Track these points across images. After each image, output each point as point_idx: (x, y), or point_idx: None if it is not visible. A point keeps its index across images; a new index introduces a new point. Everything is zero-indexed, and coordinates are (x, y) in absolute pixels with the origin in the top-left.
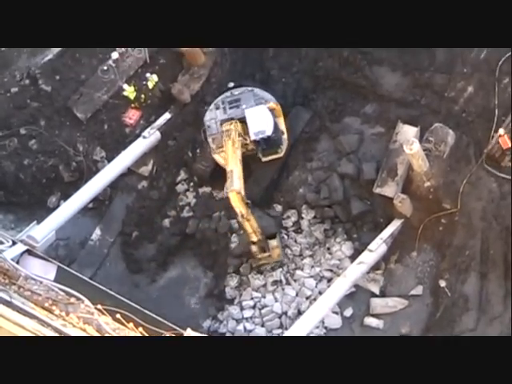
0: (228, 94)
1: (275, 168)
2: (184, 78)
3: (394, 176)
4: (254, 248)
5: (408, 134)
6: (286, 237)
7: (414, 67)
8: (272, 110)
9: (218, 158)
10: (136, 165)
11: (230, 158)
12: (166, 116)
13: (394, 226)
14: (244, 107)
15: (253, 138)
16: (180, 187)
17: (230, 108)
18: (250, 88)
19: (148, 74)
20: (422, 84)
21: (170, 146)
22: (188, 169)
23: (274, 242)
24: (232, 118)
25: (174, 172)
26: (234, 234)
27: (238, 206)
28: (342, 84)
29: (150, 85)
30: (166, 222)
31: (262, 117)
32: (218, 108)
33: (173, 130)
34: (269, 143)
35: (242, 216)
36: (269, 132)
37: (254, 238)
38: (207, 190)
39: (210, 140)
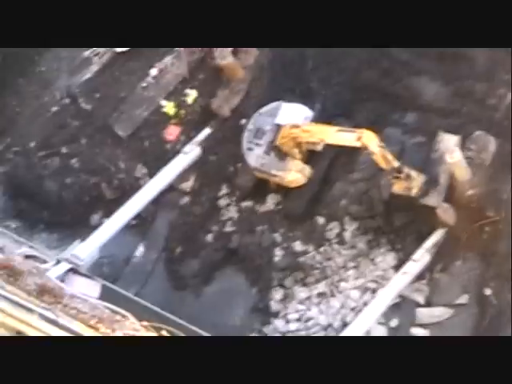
0: (246, 134)
1: (316, 180)
2: (223, 93)
3: (436, 185)
4: (397, 186)
5: (449, 142)
6: (329, 249)
7: (453, 76)
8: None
9: (297, 164)
10: (178, 181)
11: (323, 128)
12: (207, 131)
13: (438, 235)
14: (269, 128)
15: None
16: (222, 202)
17: (260, 139)
18: (256, 113)
19: (187, 90)
20: (462, 93)
21: (211, 161)
22: (230, 183)
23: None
24: (272, 141)
25: (216, 187)
26: (277, 248)
27: (375, 139)
28: (381, 95)
29: (190, 100)
30: (209, 237)
31: (292, 110)
32: (251, 149)
33: (213, 145)
34: None
35: (382, 147)
36: (309, 113)
37: (396, 164)
38: (249, 204)
39: (273, 172)
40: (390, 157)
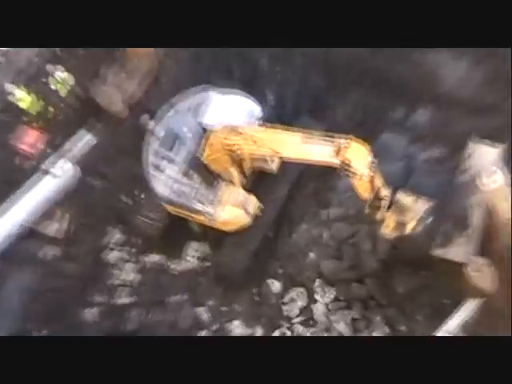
0: (152, 143)
1: (268, 220)
2: (117, 78)
3: (463, 229)
4: (385, 224)
5: (485, 158)
6: (289, 332)
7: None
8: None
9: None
10: (39, 220)
11: (280, 136)
12: (87, 139)
13: (468, 309)
14: (189, 133)
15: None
16: (112, 255)
17: (175, 151)
18: (168, 110)
19: (58, 73)
20: None
21: (96, 188)
22: (124, 224)
23: None
24: (194, 155)
25: (101, 230)
26: (204, 331)
27: (364, 155)
28: (375, 79)
29: (62, 90)
30: (90, 313)
31: (227, 105)
32: (160, 168)
33: (99, 163)
34: None
35: (373, 166)
36: (257, 110)
37: (385, 192)
38: (157, 258)
39: (197, 207)
40: (379, 182)
